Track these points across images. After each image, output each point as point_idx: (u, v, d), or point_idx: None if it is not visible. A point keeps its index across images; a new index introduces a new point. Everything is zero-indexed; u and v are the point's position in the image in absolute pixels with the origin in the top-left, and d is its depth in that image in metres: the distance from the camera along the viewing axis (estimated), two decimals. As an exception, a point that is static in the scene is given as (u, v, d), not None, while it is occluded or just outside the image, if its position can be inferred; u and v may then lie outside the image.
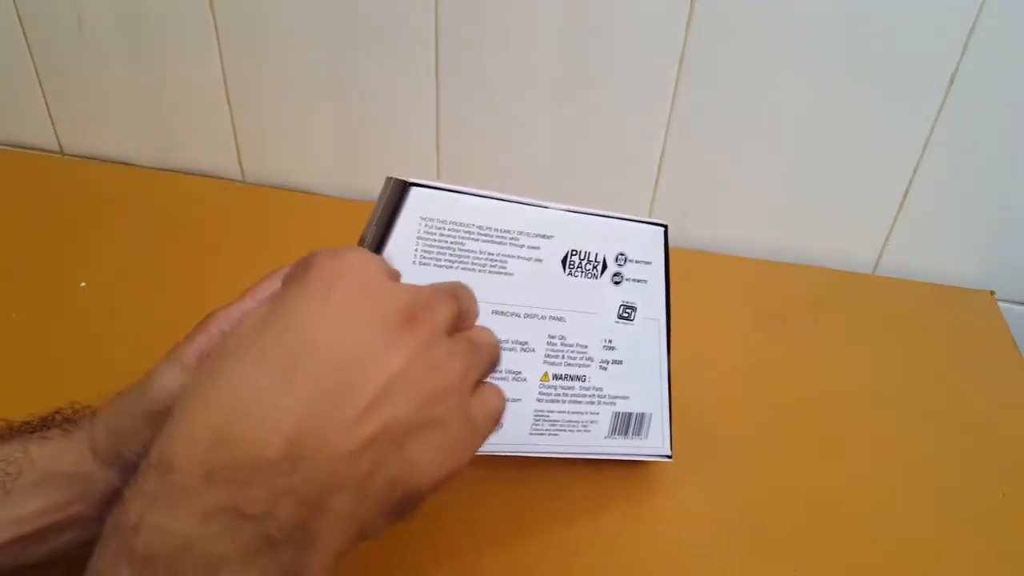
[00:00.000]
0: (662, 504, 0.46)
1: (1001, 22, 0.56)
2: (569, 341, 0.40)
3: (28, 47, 0.74)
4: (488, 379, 0.29)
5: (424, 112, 0.69)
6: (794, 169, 0.65)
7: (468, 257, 0.37)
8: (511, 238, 0.38)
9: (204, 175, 0.78)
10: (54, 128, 0.79)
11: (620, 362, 0.42)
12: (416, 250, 0.36)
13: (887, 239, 0.67)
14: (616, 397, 0.43)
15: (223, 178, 0.78)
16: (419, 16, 0.64)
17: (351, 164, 0.74)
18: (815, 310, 0.63)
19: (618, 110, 0.65)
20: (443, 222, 0.36)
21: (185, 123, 0.76)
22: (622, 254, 0.40)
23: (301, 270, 0.26)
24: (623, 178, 0.69)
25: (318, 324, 0.25)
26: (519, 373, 0.40)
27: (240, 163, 0.77)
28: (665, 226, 0.41)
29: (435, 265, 0.36)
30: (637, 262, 0.41)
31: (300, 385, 0.23)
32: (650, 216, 0.71)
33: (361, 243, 0.37)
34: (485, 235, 0.37)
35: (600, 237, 0.40)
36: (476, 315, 0.29)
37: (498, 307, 0.38)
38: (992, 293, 0.66)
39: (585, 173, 0.69)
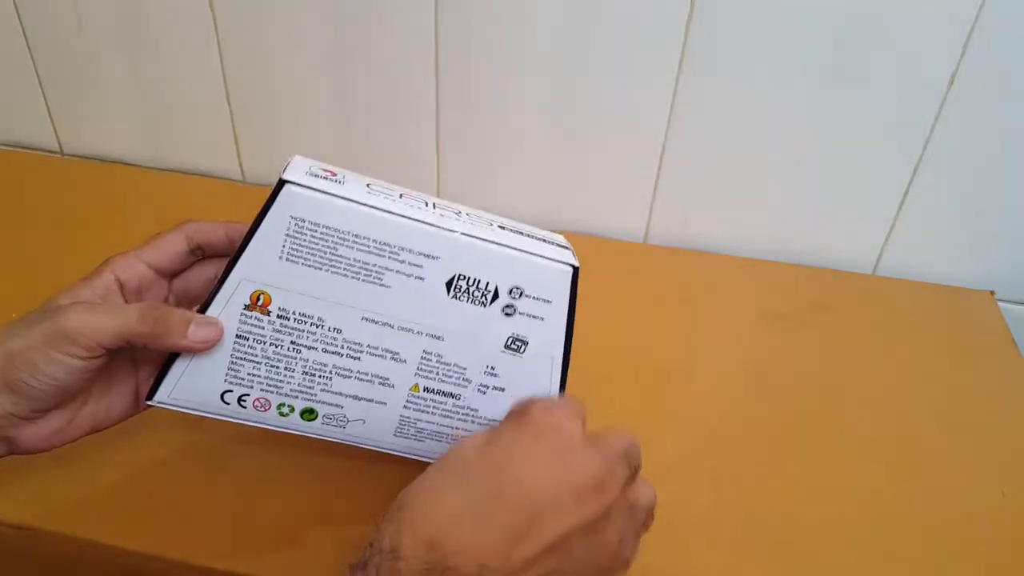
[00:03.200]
0: (661, 503, 0.46)
1: (1001, 22, 0.56)
2: (446, 360, 0.38)
3: (28, 47, 0.74)
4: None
5: (424, 111, 0.69)
6: (794, 169, 0.65)
7: (341, 263, 0.35)
8: (391, 252, 0.35)
9: (204, 175, 0.78)
10: (54, 128, 0.79)
11: (502, 389, 0.39)
12: (284, 246, 0.35)
13: (887, 239, 0.67)
14: (492, 420, 0.39)
15: (223, 178, 0.78)
16: (419, 17, 0.64)
17: (351, 165, 0.73)
18: (815, 310, 0.63)
19: (618, 110, 0.65)
20: (315, 224, 0.34)
21: (185, 123, 0.76)
22: (517, 287, 0.37)
23: (520, 415, 0.35)
24: (623, 178, 0.69)
25: (524, 469, 0.32)
26: (387, 379, 0.38)
27: (240, 163, 0.77)
28: (575, 268, 0.37)
29: (303, 264, 0.35)
30: (535, 298, 0.37)
31: (496, 521, 0.31)
32: (650, 216, 0.71)
33: None
34: (361, 245, 0.35)
35: (494, 267, 0.37)
36: (639, 467, 0.34)
37: (370, 315, 0.36)
38: (992, 293, 0.66)
39: (585, 173, 0.69)
